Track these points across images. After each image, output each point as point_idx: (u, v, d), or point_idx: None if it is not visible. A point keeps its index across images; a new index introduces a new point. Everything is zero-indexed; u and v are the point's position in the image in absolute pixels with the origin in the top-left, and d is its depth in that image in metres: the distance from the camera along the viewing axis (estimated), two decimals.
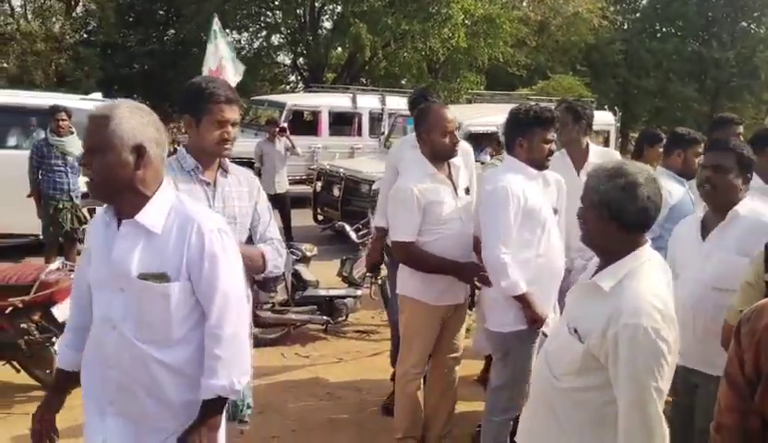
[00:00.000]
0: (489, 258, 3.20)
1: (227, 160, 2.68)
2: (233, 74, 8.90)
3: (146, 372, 1.93)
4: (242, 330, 2.04)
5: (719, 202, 2.77)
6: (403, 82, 22.45)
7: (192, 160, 2.54)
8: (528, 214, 3.19)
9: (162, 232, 1.92)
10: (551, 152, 3.28)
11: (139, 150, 1.88)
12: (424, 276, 3.50)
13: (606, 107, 12.89)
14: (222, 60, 8.94)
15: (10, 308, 4.11)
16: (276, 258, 2.69)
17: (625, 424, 1.94)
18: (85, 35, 21.43)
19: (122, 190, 1.91)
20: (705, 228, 2.84)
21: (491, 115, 9.09)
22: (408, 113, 9.66)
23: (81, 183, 6.69)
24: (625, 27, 30.30)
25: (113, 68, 20.40)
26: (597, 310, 1.99)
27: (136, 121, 1.89)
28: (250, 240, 2.69)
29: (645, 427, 1.91)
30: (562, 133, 4.17)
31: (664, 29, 30.86)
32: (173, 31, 22.76)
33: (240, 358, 2.02)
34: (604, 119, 10.66)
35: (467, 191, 3.60)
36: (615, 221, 2.04)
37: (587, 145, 4.13)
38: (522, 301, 3.16)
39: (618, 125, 12.75)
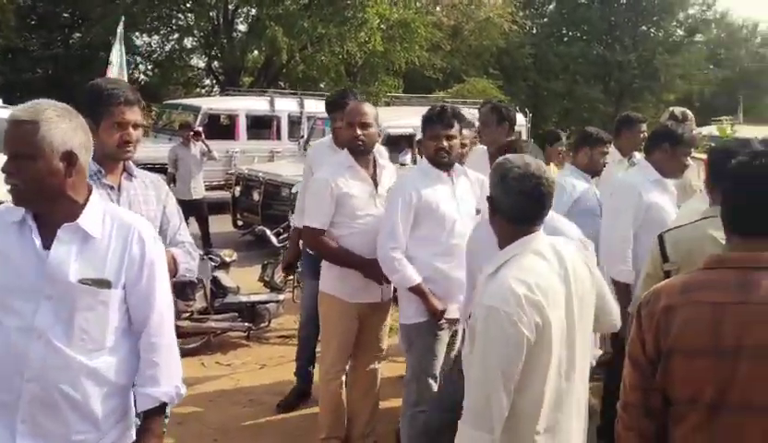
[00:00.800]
0: (379, 254, 3.32)
1: (132, 163, 2.63)
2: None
3: (73, 382, 1.86)
4: (174, 338, 2.05)
5: None
6: (322, 85, 22.40)
7: (94, 164, 2.47)
8: (424, 213, 3.27)
9: (101, 237, 1.88)
10: (442, 150, 3.30)
11: (70, 158, 1.82)
12: (340, 272, 3.55)
13: (517, 108, 13.30)
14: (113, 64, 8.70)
15: None
16: (188, 262, 2.65)
17: (469, 394, 2.04)
18: None
19: (51, 198, 1.84)
20: None
21: (408, 118, 9.21)
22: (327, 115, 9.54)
23: None
24: (534, 31, 31.33)
25: (14, 74, 19.31)
26: (478, 295, 2.12)
27: (65, 125, 1.82)
28: None
29: (487, 401, 1.99)
30: (485, 133, 4.30)
31: (570, 34, 32.15)
32: (78, 35, 21.78)
33: (178, 364, 2.05)
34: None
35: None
36: (497, 214, 2.15)
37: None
38: (418, 293, 3.25)
39: (530, 125, 13.19)
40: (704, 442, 1.62)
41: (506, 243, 2.14)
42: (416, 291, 3.25)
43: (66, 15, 22.07)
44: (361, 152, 3.52)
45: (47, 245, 1.84)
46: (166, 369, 1.99)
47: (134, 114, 2.48)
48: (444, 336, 3.36)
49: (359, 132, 3.46)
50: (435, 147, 3.29)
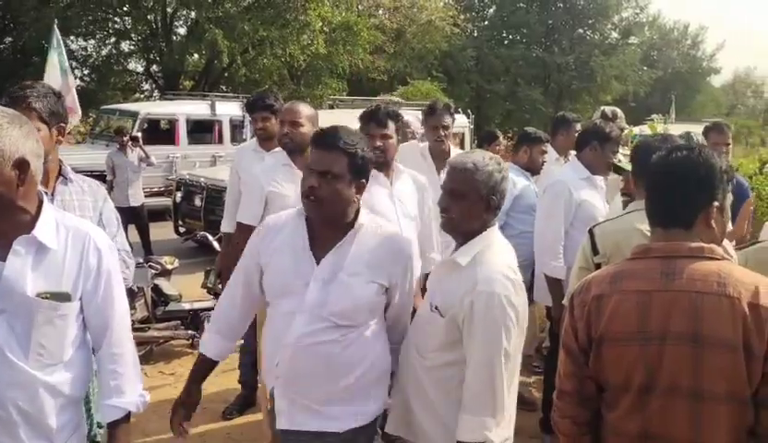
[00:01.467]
0: None
1: (68, 167, 2.57)
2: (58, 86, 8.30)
3: (30, 397, 1.78)
4: (134, 346, 2.03)
5: (328, 215, 2.17)
6: (266, 88, 22.23)
7: None
8: None
9: (57, 248, 1.80)
10: (376, 149, 3.16)
11: (21, 166, 1.71)
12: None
13: (460, 110, 13.50)
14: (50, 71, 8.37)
15: None
16: (123, 271, 2.59)
17: (472, 380, 2.08)
18: None
19: (2, 209, 1.73)
20: (316, 245, 2.18)
21: (353, 121, 9.19)
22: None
23: None
24: (475, 34, 31.83)
25: None
26: (455, 284, 2.15)
27: (16, 132, 1.71)
28: None
29: (491, 384, 2.06)
30: (447, 134, 4.26)
31: (510, 37, 32.79)
32: (10, 39, 21.02)
33: (139, 371, 2.03)
34: (459, 121, 11.20)
35: None
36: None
37: (449, 147, 4.34)
38: None
39: (473, 126, 13.39)
40: (637, 425, 1.68)
41: (477, 231, 2.20)
42: None
43: None
44: (289, 151, 3.55)
45: None
46: (129, 378, 1.97)
47: None
48: None
49: (287, 130, 3.51)
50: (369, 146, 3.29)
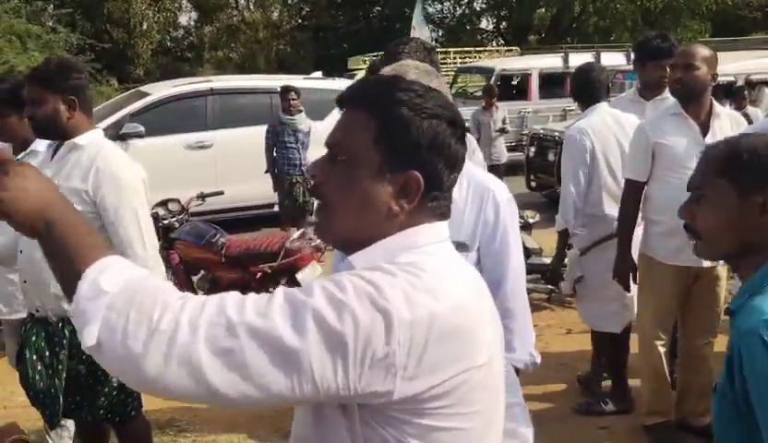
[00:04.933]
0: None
1: None
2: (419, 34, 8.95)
3: None
4: (527, 303, 2.03)
5: None
6: (612, 38, 21.09)
7: None
8: None
9: (458, 199, 1.89)
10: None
11: None
12: (658, 230, 3.30)
13: None
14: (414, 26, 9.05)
15: (260, 274, 4.51)
16: None
17: None
18: (299, 20, 22.99)
19: None
20: None
21: (724, 64, 8.07)
22: (628, 67, 8.96)
23: (311, 158, 7.13)
24: None
25: (324, 50, 21.68)
26: None
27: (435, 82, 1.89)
28: None
29: None
30: None
31: None
32: (378, 9, 23.50)
33: (531, 329, 2.04)
34: None
35: None
36: None
37: None
38: None
39: None
40: None
41: None
42: None
43: None
44: (680, 97, 3.23)
45: None
46: (520, 335, 1.97)
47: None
48: None
49: (679, 74, 3.18)
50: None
